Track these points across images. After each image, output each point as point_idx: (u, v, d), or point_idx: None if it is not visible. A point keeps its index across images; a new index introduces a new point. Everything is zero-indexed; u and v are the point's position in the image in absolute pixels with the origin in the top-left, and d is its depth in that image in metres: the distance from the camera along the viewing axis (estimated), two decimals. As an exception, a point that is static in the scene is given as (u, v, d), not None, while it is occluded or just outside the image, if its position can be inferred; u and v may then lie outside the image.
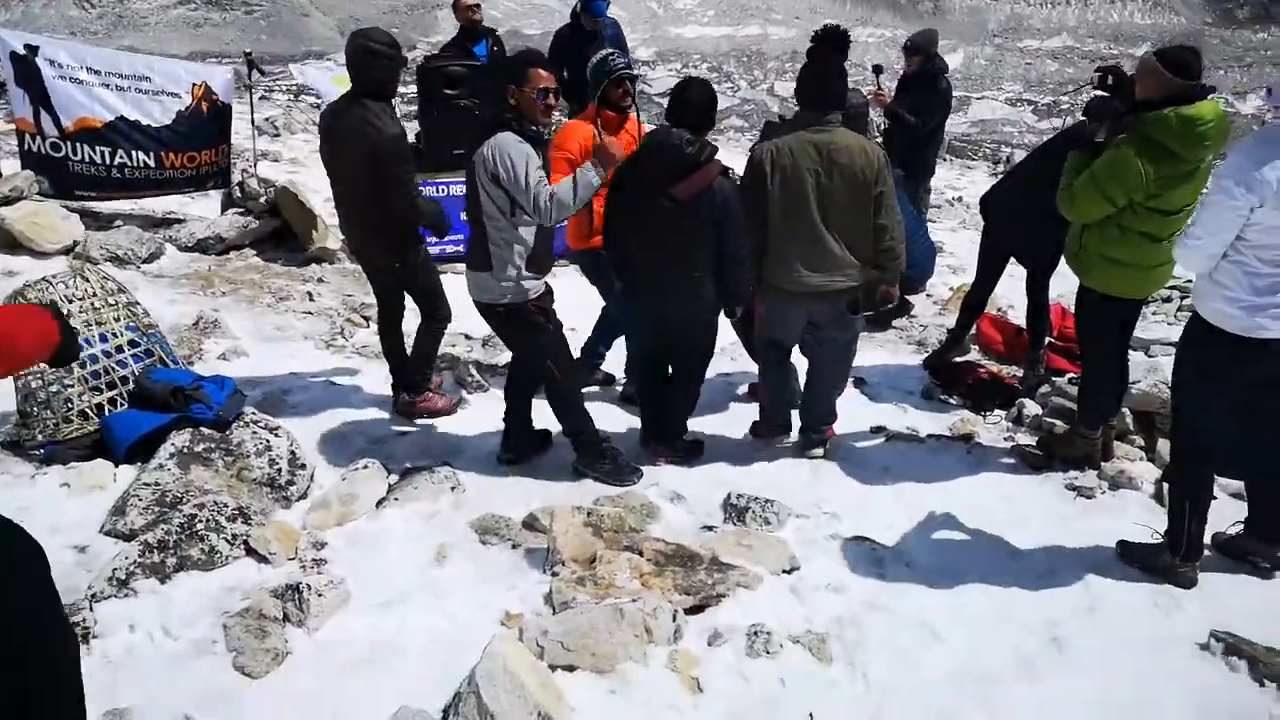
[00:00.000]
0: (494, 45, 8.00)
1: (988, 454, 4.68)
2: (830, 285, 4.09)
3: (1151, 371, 4.75)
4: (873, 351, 6.27)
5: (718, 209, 3.88)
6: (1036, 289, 5.57)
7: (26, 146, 7.05)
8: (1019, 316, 6.26)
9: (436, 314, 4.81)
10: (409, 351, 4.89)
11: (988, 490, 4.29)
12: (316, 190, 8.68)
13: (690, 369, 4.49)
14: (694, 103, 3.98)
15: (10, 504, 3.38)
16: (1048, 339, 5.74)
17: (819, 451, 4.59)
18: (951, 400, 5.40)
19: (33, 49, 6.88)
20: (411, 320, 4.93)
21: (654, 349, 4.51)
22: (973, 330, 6.10)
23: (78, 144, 7.10)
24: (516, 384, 4.43)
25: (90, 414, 4.05)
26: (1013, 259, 5.74)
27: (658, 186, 3.89)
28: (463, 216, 7.50)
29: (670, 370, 4.51)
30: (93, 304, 4.24)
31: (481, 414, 4.95)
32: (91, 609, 2.93)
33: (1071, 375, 5.20)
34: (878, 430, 4.94)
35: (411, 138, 7.84)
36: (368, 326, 6.38)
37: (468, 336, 6.12)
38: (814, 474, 4.46)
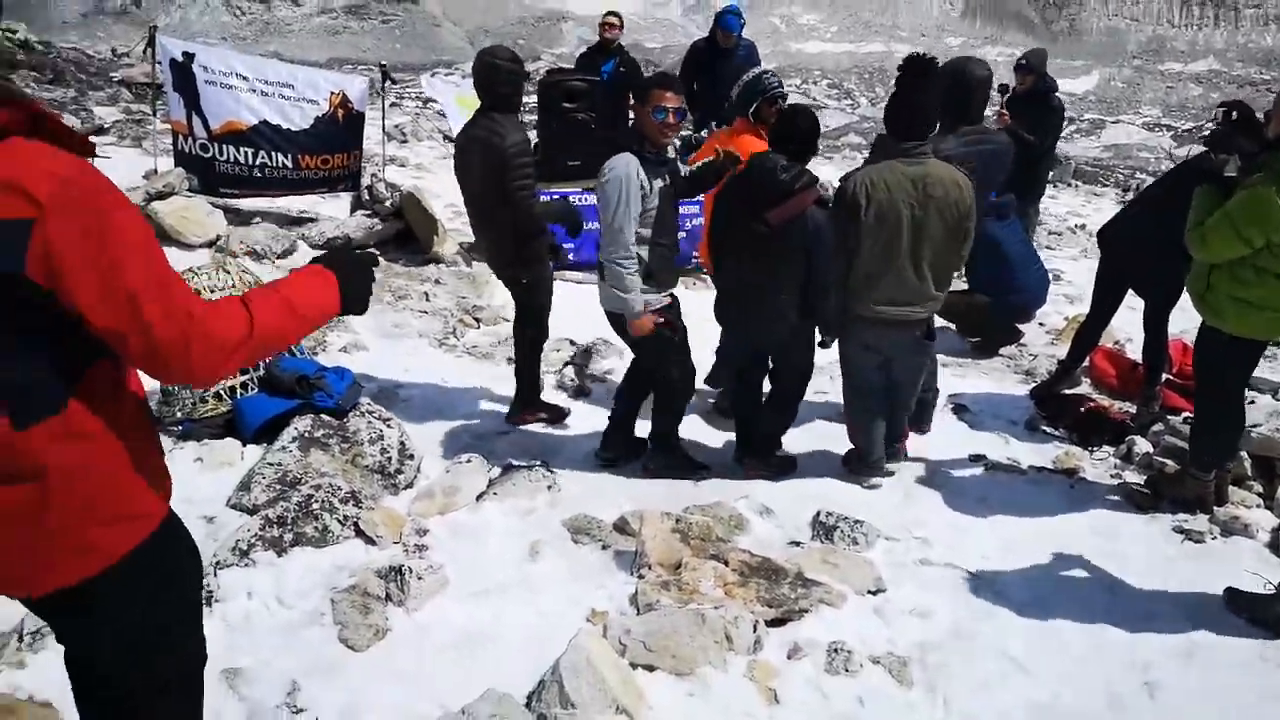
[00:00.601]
0: (620, 64, 8.21)
1: (1092, 490, 4.54)
2: (912, 315, 4.14)
3: (1275, 415, 4.53)
4: (977, 379, 6.17)
5: (808, 236, 3.96)
6: (1156, 323, 5.37)
7: (180, 146, 7.64)
8: (1135, 351, 6.04)
9: (534, 328, 4.92)
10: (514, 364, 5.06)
11: (1089, 527, 4.17)
12: (438, 195, 9.09)
13: (785, 386, 4.55)
14: (796, 131, 4.08)
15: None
16: (1165, 375, 5.52)
17: (893, 467, 4.57)
18: (1057, 433, 5.26)
19: (189, 56, 7.45)
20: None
21: (747, 363, 4.61)
22: (1085, 363, 5.92)
23: (224, 145, 7.65)
24: (631, 386, 4.61)
25: (224, 396, 4.38)
26: (1132, 290, 5.56)
27: (754, 210, 4.00)
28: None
29: (768, 385, 4.58)
30: (230, 294, 4.58)
31: (580, 418, 5.12)
32: (215, 575, 3.19)
33: (1187, 414, 4.99)
34: (976, 458, 4.86)
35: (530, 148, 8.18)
36: (478, 328, 6.65)
37: (572, 342, 6.29)
38: (906, 497, 4.43)
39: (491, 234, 4.73)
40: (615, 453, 4.62)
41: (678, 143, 4.46)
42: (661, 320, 4.13)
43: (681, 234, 4.74)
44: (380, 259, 2.28)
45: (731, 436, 4.86)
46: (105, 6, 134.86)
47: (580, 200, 7.71)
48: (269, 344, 1.72)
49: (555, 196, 7.50)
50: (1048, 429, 5.32)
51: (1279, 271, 3.65)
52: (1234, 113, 4.03)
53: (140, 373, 1.73)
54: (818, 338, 4.45)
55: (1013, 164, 6.57)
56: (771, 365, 4.59)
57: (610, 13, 8.28)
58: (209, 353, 1.57)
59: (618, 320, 4.20)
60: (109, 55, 28.28)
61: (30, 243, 1.43)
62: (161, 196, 7.09)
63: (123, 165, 9.24)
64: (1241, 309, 3.78)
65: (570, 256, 7.69)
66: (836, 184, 4.34)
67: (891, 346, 4.28)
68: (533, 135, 8.88)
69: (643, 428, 4.67)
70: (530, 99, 10.75)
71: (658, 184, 3.98)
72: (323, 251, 7.54)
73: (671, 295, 4.25)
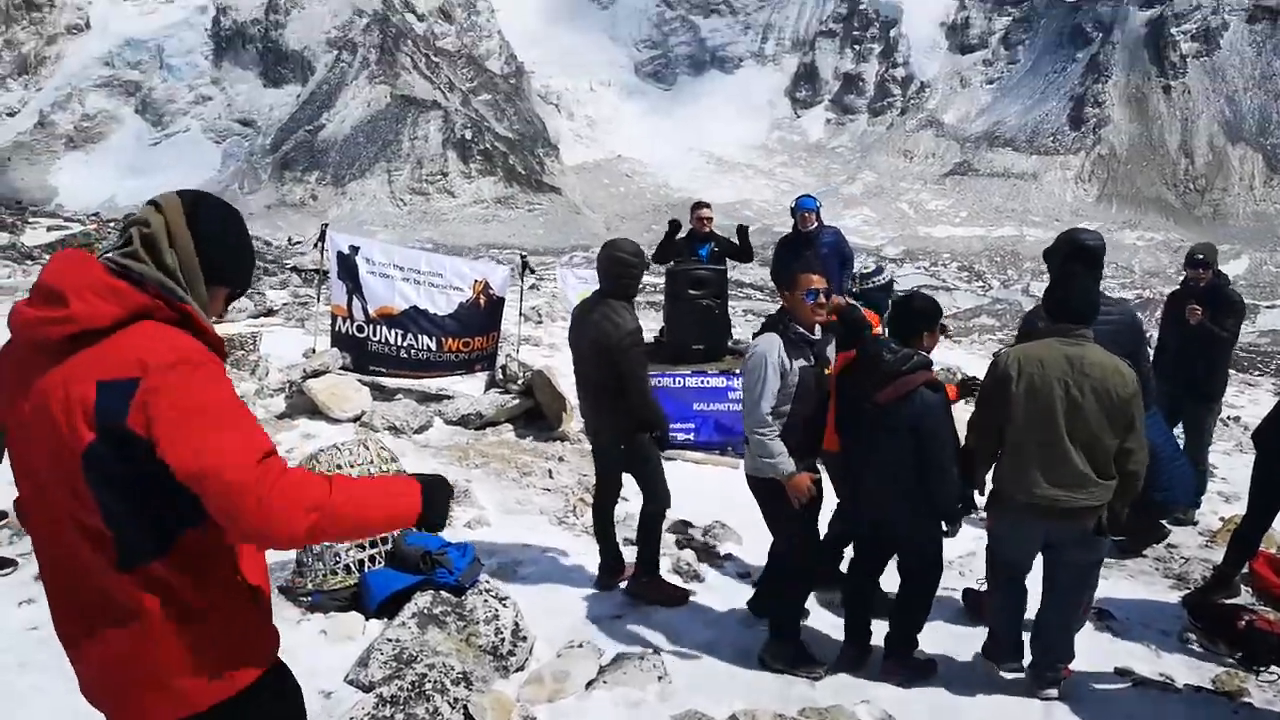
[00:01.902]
0: (715, 247, 8.57)
1: (1259, 717, 4.08)
2: (1074, 502, 3.91)
3: None
4: (1123, 582, 5.75)
5: (915, 418, 3.93)
6: None
7: (337, 328, 8.36)
8: (1303, 557, 5.53)
9: (656, 496, 4.98)
10: (636, 535, 5.11)
11: (1258, 760, 3.73)
12: (566, 375, 9.44)
13: (912, 581, 4.37)
14: (907, 313, 4.16)
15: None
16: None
17: (1053, 692, 4.21)
18: (1215, 648, 4.79)
19: (354, 249, 8.28)
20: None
21: (863, 546, 4.52)
22: (1244, 569, 5.44)
23: (378, 327, 8.33)
24: (774, 557, 4.69)
25: (353, 569, 4.57)
26: None
27: (864, 391, 4.07)
28: (695, 407, 7.90)
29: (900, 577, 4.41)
30: (369, 470, 4.86)
31: (694, 605, 5.03)
32: (328, 753, 3.23)
33: (1371, 634, 4.48)
34: (1123, 673, 4.46)
35: (656, 331, 8.52)
36: (598, 507, 6.74)
37: (688, 524, 6.27)
38: (1046, 714, 4.09)
39: (598, 409, 4.93)
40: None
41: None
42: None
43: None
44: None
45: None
46: (287, 199, 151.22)
47: (702, 382, 7.90)
48: (338, 525, 1.82)
49: (677, 379, 7.77)
50: (1205, 643, 4.85)
51: None
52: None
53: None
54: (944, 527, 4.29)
55: (1198, 358, 6.38)
56: (898, 559, 4.44)
57: (703, 204, 8.73)
58: (278, 511, 1.69)
59: (763, 489, 4.28)
60: (285, 243, 31.43)
61: (133, 397, 1.69)
62: (316, 374, 7.70)
63: (286, 343, 10.12)
64: None
65: (690, 438, 7.80)
66: (958, 367, 4.32)
67: (1053, 537, 4.06)
68: (655, 320, 9.29)
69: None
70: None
71: (799, 362, 4.11)
72: (456, 428, 7.89)
73: (809, 468, 4.28)
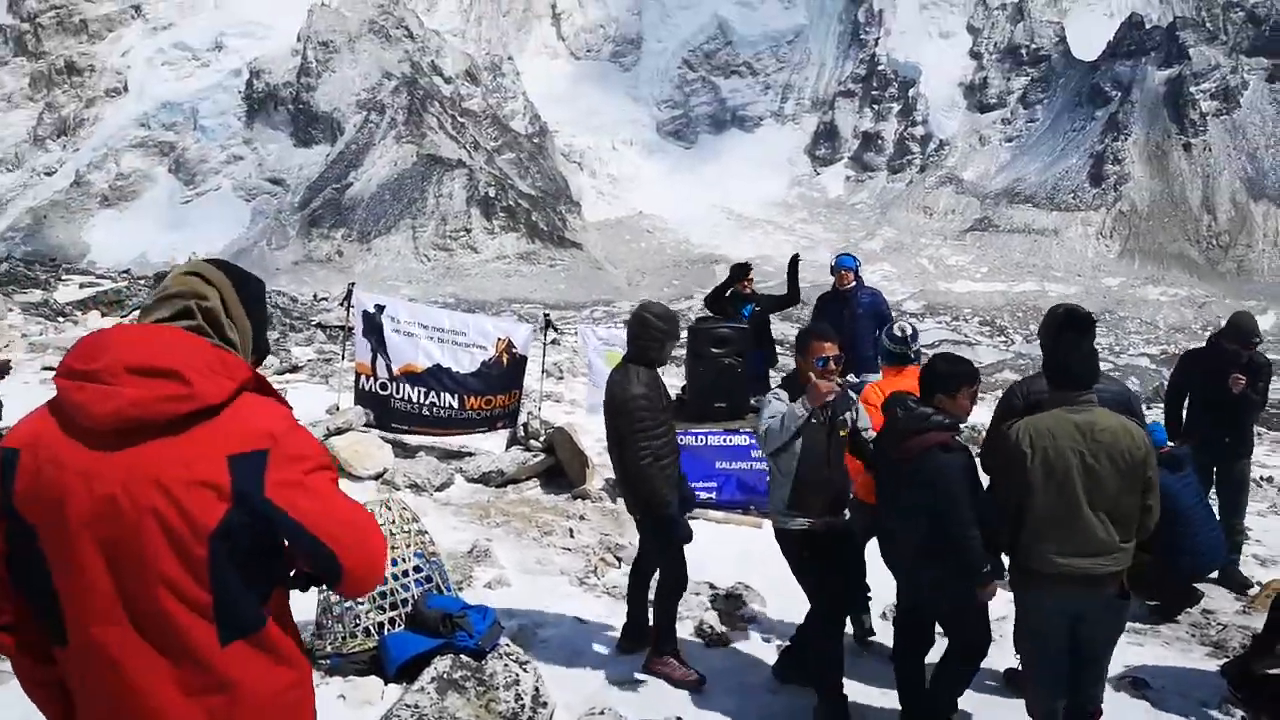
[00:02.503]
0: (758, 307, 8.60)
1: (1307, 796, 3.92)
2: (1098, 569, 3.83)
3: None
4: (1158, 649, 5.59)
5: (928, 478, 3.94)
6: None
7: (361, 385, 8.42)
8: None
9: (665, 573, 4.86)
10: (650, 607, 5.02)
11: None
12: (589, 431, 9.46)
13: (953, 645, 4.27)
14: (931, 372, 4.20)
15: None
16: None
17: None
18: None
19: (380, 308, 8.38)
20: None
21: (907, 614, 4.42)
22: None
23: (401, 385, 8.39)
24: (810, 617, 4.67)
25: (372, 631, 4.52)
26: None
27: (886, 449, 4.17)
28: (718, 465, 7.85)
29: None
30: (390, 530, 4.84)
31: (718, 671, 4.93)
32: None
33: None
34: (1162, 746, 4.32)
35: (679, 389, 8.51)
36: (619, 567, 6.66)
37: (712, 586, 6.19)
38: (1084, 791, 3.95)
39: (617, 474, 4.92)
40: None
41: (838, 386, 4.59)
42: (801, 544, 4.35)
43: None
44: None
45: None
46: (313, 255, 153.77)
47: (724, 441, 7.86)
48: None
49: (699, 437, 7.72)
50: (1247, 714, 4.69)
51: None
52: None
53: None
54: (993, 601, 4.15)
55: (1230, 423, 6.34)
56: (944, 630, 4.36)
57: (747, 267, 8.76)
58: (381, 566, 1.94)
59: (789, 541, 4.41)
60: (311, 299, 31.87)
61: (267, 469, 1.77)
62: (339, 432, 7.74)
63: (310, 399, 10.19)
64: None
65: (712, 496, 7.73)
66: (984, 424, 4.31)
67: (1080, 606, 3.96)
68: (679, 378, 9.28)
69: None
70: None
71: (810, 420, 4.19)
72: (477, 485, 7.87)
73: (824, 524, 4.33)
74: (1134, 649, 5.49)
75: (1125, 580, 3.91)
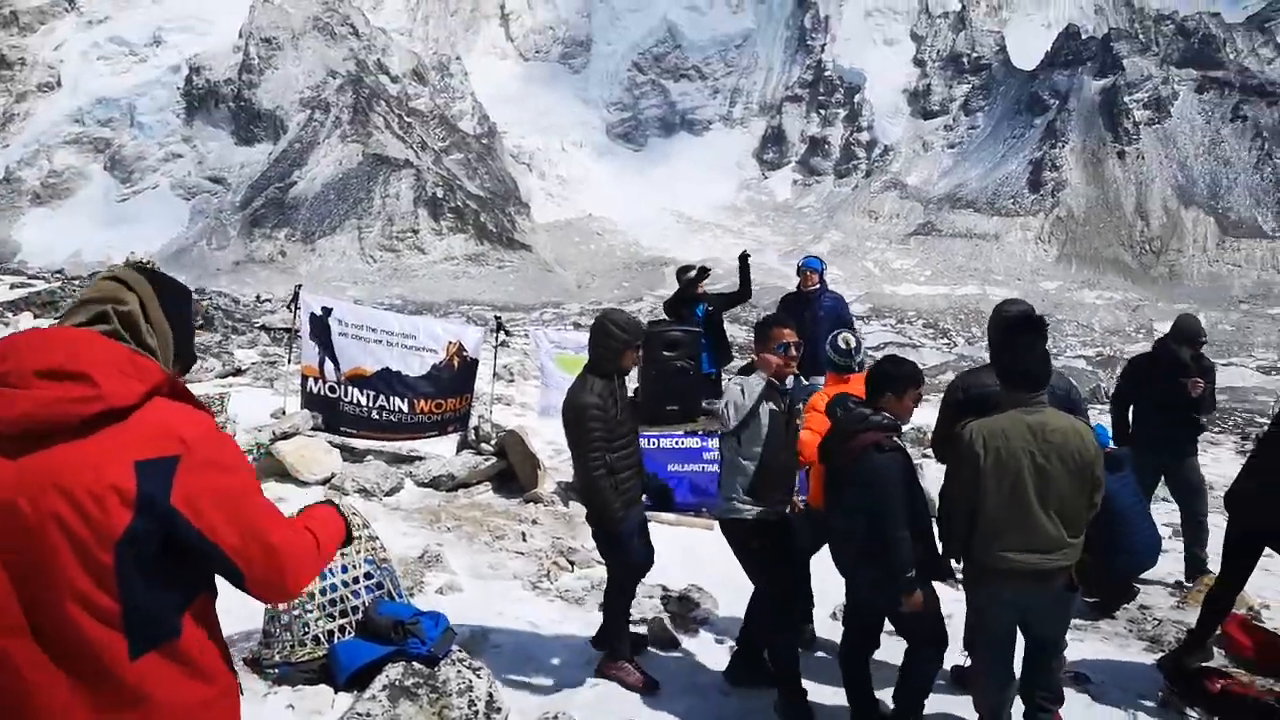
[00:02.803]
0: (710, 307, 8.65)
1: (1239, 783, 4.06)
2: (1047, 564, 3.95)
3: None
4: (1097, 644, 5.75)
5: (864, 478, 4.00)
6: None
7: (309, 388, 8.28)
8: (1272, 618, 5.57)
9: (611, 576, 4.89)
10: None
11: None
12: (540, 434, 9.42)
13: (911, 656, 4.30)
14: (872, 373, 4.32)
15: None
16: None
17: None
18: (1193, 713, 4.79)
19: (327, 310, 8.24)
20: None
21: (862, 615, 4.45)
22: (1218, 631, 5.46)
23: (349, 388, 8.26)
24: (750, 616, 4.76)
25: (322, 640, 4.45)
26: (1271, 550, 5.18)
27: (833, 448, 4.21)
28: (670, 468, 7.88)
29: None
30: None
31: (671, 673, 4.95)
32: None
33: (1345, 697, 4.50)
34: (1103, 738, 4.45)
35: (631, 392, 8.51)
36: (571, 571, 6.64)
37: (664, 588, 6.21)
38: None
39: (576, 484, 4.94)
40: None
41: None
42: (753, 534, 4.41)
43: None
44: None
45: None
46: (255, 256, 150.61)
47: (676, 443, 7.89)
48: (326, 561, 2.07)
49: (651, 440, 7.73)
50: (1185, 709, 4.85)
51: None
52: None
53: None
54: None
55: (1182, 423, 6.63)
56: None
57: (707, 271, 8.84)
58: (307, 567, 1.93)
59: (735, 530, 4.48)
60: (254, 301, 31.25)
61: (175, 475, 1.72)
62: (286, 436, 7.59)
63: (255, 402, 9.99)
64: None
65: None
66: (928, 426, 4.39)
67: (1031, 600, 4.07)
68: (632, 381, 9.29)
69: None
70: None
71: (769, 405, 4.28)
72: (428, 490, 7.76)
73: (778, 515, 4.45)
74: (1075, 644, 5.61)
75: (1074, 573, 4.02)
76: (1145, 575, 6.72)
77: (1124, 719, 4.73)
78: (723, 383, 8.48)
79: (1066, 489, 3.90)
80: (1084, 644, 5.73)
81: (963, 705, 4.60)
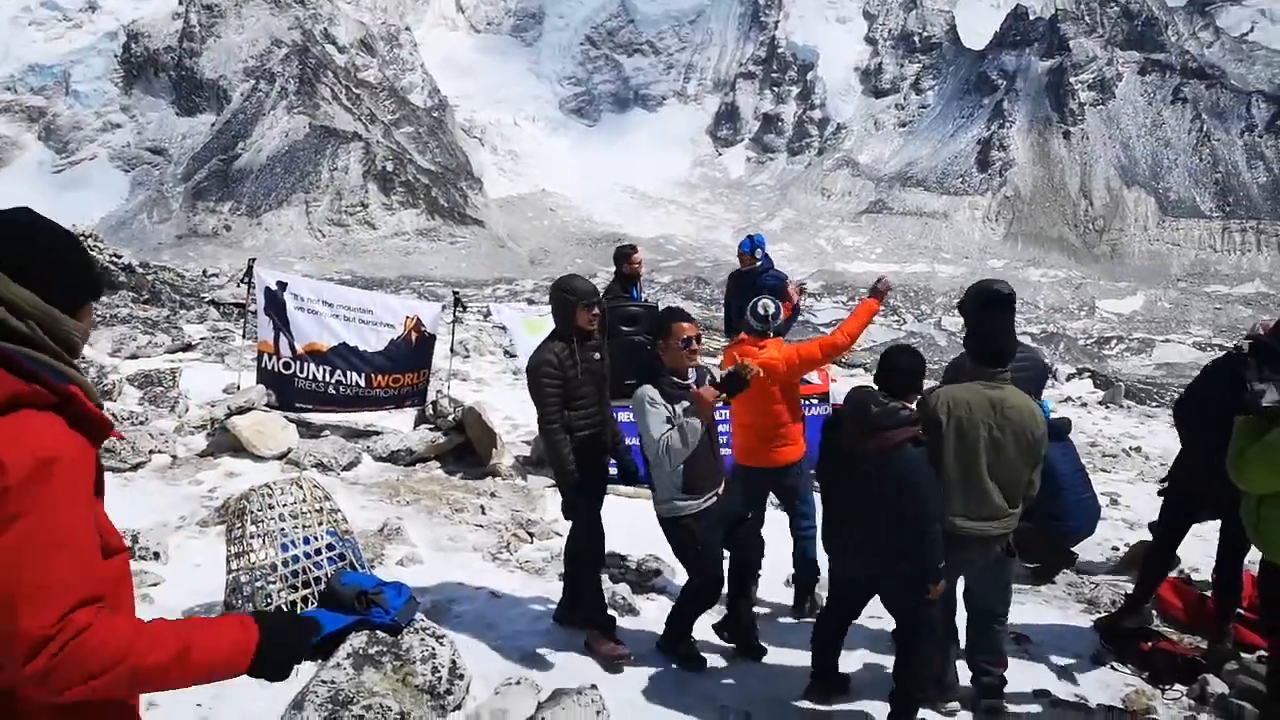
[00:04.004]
0: (645, 297, 8.74)
1: (1166, 733, 4.32)
2: (989, 530, 4.19)
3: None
4: (1039, 608, 6.01)
5: (899, 473, 3.94)
6: (1233, 551, 5.20)
7: (264, 364, 8.20)
8: (1202, 580, 5.86)
9: (581, 556, 5.01)
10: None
11: (1165, 774, 3.94)
12: (498, 409, 9.46)
13: (902, 642, 4.35)
14: (895, 367, 4.18)
15: (208, 691, 3.76)
16: (1239, 610, 5.31)
17: (995, 703, 4.41)
18: (1125, 669, 5.05)
19: (282, 285, 8.16)
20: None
21: (853, 597, 4.50)
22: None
23: (305, 364, 8.20)
24: (687, 592, 4.88)
25: (285, 610, 4.48)
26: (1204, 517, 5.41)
27: (853, 442, 4.10)
28: (626, 441, 7.97)
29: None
30: (302, 509, 4.79)
31: (629, 639, 5.07)
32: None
33: (1262, 652, 4.78)
34: (1041, 694, 4.68)
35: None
36: (531, 542, 6.73)
37: (622, 558, 6.33)
38: (970, 736, 4.25)
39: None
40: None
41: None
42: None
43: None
44: (328, 646, 2.21)
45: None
46: (199, 229, 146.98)
47: (633, 417, 7.98)
48: (140, 679, 1.60)
49: (614, 412, 7.80)
50: (1115, 665, 5.11)
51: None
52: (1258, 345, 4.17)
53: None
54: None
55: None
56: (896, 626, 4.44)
57: (632, 249, 8.89)
58: (54, 678, 1.51)
59: (672, 527, 4.57)
60: (200, 276, 30.57)
61: None
62: (241, 411, 7.54)
63: (206, 378, 9.86)
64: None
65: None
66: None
67: (972, 565, 4.30)
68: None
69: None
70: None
71: (679, 407, 4.35)
72: (386, 464, 7.77)
73: (706, 502, 4.56)
74: (1017, 607, 5.83)
75: (1010, 540, 4.23)
76: (1084, 542, 7.01)
77: (1063, 676, 4.95)
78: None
79: (1014, 462, 4.13)
80: (1026, 607, 5.99)
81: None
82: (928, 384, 4.58)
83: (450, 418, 8.38)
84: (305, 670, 4.16)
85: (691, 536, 4.55)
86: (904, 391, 4.15)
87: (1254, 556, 5.28)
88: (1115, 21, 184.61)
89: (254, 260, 8.45)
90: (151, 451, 7.32)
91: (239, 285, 8.74)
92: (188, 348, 12.02)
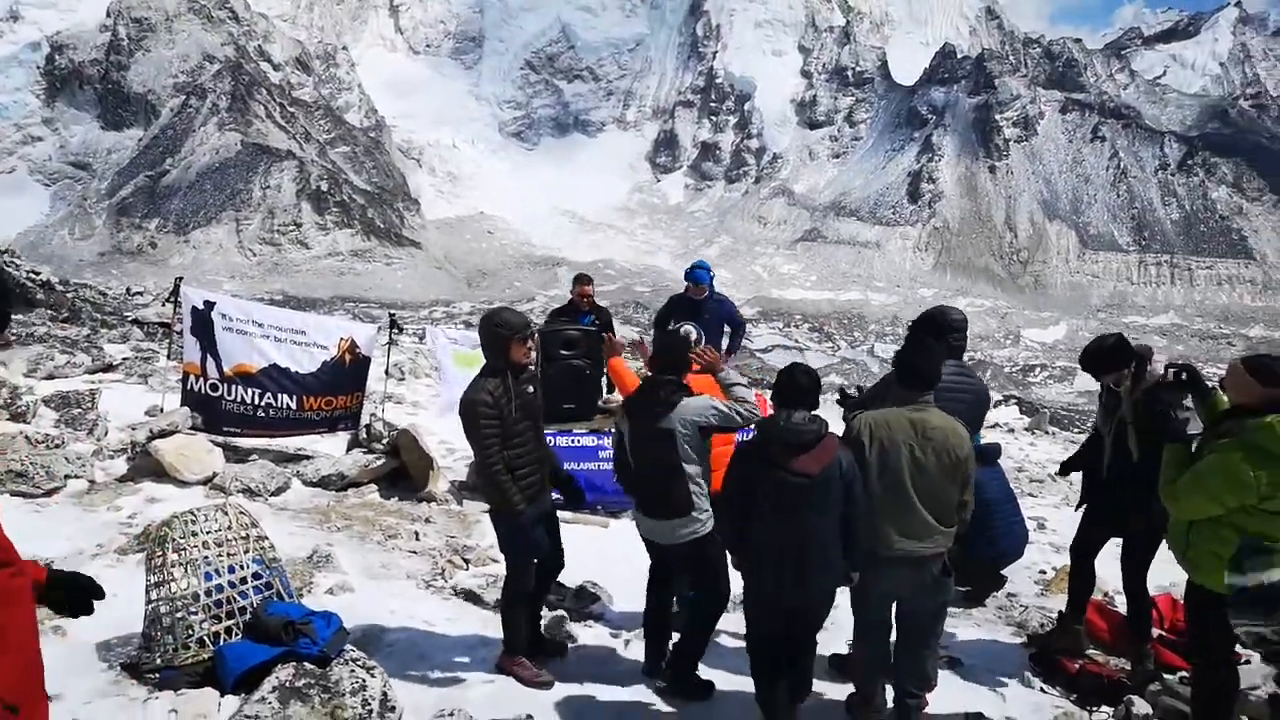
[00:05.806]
0: (596, 321, 8.75)
1: (1094, 752, 4.40)
2: (922, 550, 4.23)
3: (1270, 678, 4.48)
4: (969, 629, 6.10)
5: (845, 475, 4.08)
6: (1133, 572, 5.34)
7: (189, 386, 7.92)
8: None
9: (514, 583, 4.87)
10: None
11: (1094, 794, 4.01)
12: (433, 433, 9.30)
13: (805, 645, 4.44)
14: (804, 386, 4.23)
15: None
16: (1157, 632, 5.47)
17: None
18: (1054, 691, 5.15)
19: (210, 304, 7.90)
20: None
21: (777, 632, 4.37)
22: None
23: (233, 385, 7.94)
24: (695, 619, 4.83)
25: (207, 642, 4.30)
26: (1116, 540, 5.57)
27: (783, 464, 4.07)
28: (565, 466, 7.91)
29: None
30: (227, 536, 4.63)
31: (569, 665, 5.00)
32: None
33: (1184, 673, 4.92)
34: (973, 717, 4.72)
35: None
36: (466, 569, 6.60)
37: (560, 584, 6.24)
38: (905, 760, 4.27)
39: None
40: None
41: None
42: None
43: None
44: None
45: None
46: (123, 246, 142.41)
47: (572, 441, 7.93)
48: None
49: (550, 437, 7.74)
50: (1045, 687, 5.20)
51: (1258, 531, 3.73)
52: (1184, 374, 4.36)
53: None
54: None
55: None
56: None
57: (586, 278, 8.94)
58: None
59: (683, 549, 4.61)
60: (124, 294, 29.58)
61: None
62: (164, 434, 7.26)
63: (128, 400, 9.51)
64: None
65: (560, 497, 7.76)
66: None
67: (908, 584, 4.33)
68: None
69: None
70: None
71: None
72: (316, 489, 7.54)
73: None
74: (949, 629, 5.94)
75: (947, 560, 4.28)
76: (1013, 565, 7.14)
77: (993, 699, 5.03)
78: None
79: (939, 481, 4.19)
80: (958, 629, 6.07)
81: (843, 692, 4.82)
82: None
83: (384, 441, 8.21)
84: (227, 705, 4.01)
85: (721, 551, 4.60)
86: (812, 406, 4.26)
87: (1177, 578, 5.46)
88: (1038, 62, 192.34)
89: (180, 279, 8.18)
90: (67, 476, 7.00)
91: (164, 304, 8.44)
92: (109, 368, 11.57)
